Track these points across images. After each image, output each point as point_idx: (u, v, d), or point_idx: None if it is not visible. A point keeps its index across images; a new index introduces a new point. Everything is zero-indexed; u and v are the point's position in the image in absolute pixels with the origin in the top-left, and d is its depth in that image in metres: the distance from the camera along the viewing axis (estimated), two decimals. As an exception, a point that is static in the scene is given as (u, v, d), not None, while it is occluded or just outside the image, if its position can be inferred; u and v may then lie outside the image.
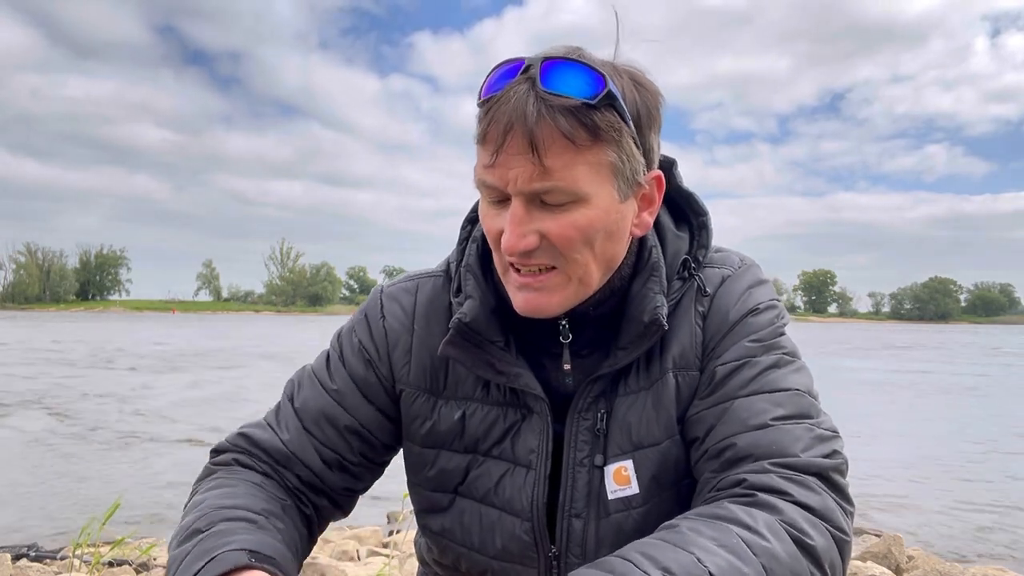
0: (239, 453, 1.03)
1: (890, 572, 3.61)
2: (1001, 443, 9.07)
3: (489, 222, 0.91)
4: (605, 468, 0.97)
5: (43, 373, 15.45)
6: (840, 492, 0.85)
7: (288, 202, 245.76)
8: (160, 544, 3.81)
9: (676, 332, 0.98)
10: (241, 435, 1.05)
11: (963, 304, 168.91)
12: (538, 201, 0.86)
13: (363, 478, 1.08)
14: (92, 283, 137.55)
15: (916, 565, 3.79)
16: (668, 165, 1.02)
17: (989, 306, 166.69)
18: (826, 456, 0.86)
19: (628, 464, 0.97)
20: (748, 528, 0.76)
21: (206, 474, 1.02)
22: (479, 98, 0.86)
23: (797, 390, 0.92)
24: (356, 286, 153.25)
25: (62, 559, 3.49)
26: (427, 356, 1.03)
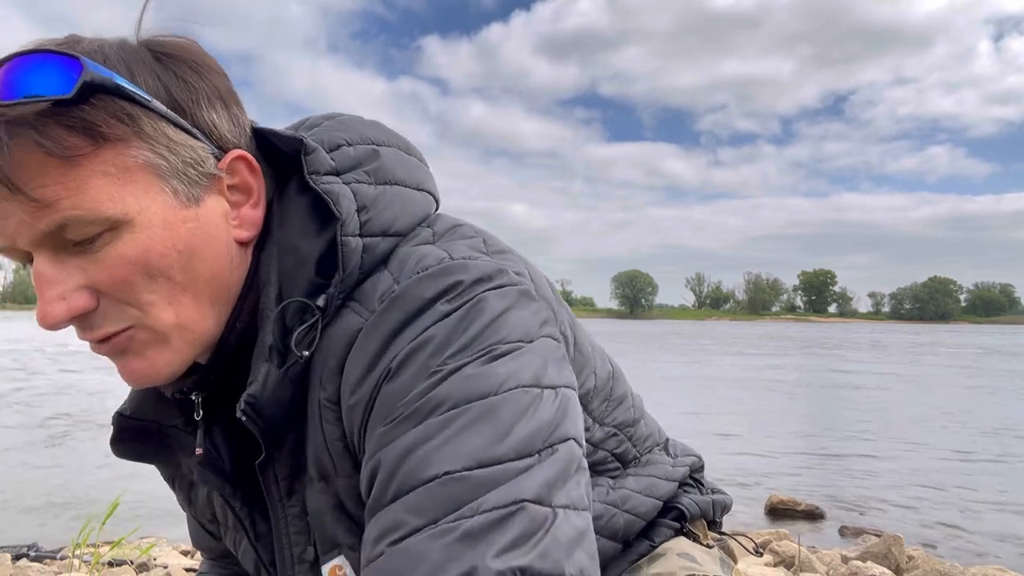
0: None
1: (890, 572, 3.61)
2: (994, 442, 9.07)
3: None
4: (322, 567, 0.76)
5: (39, 371, 15.47)
6: None
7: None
8: (160, 543, 3.82)
9: (306, 422, 0.72)
10: None
11: (963, 304, 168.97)
12: (69, 246, 0.64)
13: None
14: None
15: (916, 565, 3.79)
16: (294, 148, 0.74)
17: (989, 306, 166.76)
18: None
19: (341, 561, 0.75)
20: None
21: None
22: None
23: (448, 473, 0.58)
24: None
25: (62, 559, 3.49)
26: None
